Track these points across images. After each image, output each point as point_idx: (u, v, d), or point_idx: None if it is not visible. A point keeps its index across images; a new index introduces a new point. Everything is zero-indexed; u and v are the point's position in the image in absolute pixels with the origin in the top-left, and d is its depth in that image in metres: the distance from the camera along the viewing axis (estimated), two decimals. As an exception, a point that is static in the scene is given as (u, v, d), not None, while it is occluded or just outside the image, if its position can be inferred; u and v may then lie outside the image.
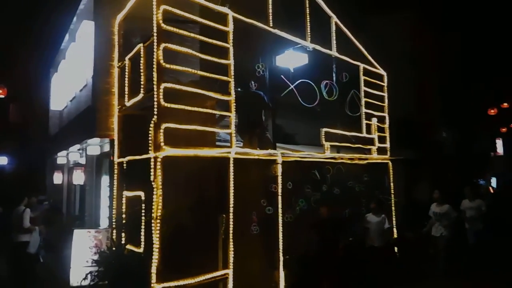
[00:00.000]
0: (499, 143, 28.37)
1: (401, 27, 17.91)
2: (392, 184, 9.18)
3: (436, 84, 20.03)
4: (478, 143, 24.33)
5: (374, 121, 8.90)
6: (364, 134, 8.62)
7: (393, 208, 9.04)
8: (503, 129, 26.83)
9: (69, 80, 10.72)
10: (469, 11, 20.65)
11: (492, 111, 23.92)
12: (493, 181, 22.45)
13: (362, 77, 8.94)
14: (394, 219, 9.02)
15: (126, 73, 6.49)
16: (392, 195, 9.11)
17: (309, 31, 7.95)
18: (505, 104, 23.95)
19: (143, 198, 5.49)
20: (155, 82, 5.17)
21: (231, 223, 5.56)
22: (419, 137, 16.01)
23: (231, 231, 5.54)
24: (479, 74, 22.75)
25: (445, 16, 20.15)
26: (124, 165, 6.31)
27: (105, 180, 8.47)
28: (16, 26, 19.85)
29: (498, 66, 23.11)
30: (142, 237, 5.41)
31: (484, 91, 23.35)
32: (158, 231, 4.82)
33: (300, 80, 7.49)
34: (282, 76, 7.46)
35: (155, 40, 5.28)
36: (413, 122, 16.26)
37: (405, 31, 18.09)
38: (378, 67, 9.60)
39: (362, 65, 9.02)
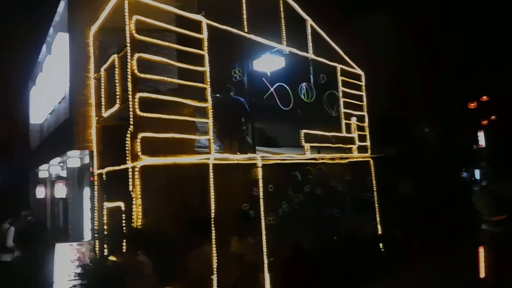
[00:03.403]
0: (481, 136, 28.85)
1: (380, 25, 18.16)
2: (374, 181, 9.28)
3: (416, 81, 20.35)
4: (460, 137, 24.76)
5: (353, 120, 9.00)
6: (344, 134, 8.72)
7: (376, 205, 9.15)
8: (484, 122, 27.30)
9: (47, 93, 10.64)
10: (447, 7, 20.98)
11: (472, 104, 24.34)
12: (477, 173, 22.78)
13: (340, 78, 9.05)
14: (378, 215, 9.13)
15: (102, 84, 6.48)
16: (375, 192, 9.22)
17: (284, 34, 8.03)
18: (485, 97, 24.37)
19: (123, 208, 5.48)
20: (130, 92, 5.19)
21: (212, 228, 5.58)
22: (402, 134, 16.23)
23: (213, 237, 5.56)
24: (459, 68, 23.14)
25: (424, 12, 20.47)
26: (104, 176, 6.29)
27: (86, 192, 8.43)
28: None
29: (477, 59, 23.49)
30: (124, 248, 5.39)
31: (464, 85, 23.76)
32: (138, 241, 4.83)
33: (277, 84, 7.56)
34: (264, 79, 7.53)
35: (129, 51, 5.31)
36: (395, 119, 16.49)
37: (385, 29, 18.35)
38: (356, 67, 9.72)
39: (339, 66, 9.12)
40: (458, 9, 20.93)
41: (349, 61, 9.53)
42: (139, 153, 5.03)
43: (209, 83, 5.98)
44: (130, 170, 5.11)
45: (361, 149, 9.10)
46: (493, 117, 26.86)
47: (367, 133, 9.39)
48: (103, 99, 6.49)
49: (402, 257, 8.59)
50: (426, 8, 20.60)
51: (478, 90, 24.15)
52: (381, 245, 8.96)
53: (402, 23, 19.35)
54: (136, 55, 5.27)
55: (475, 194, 6.31)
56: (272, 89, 7.52)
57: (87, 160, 8.05)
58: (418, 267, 8.00)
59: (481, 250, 6.07)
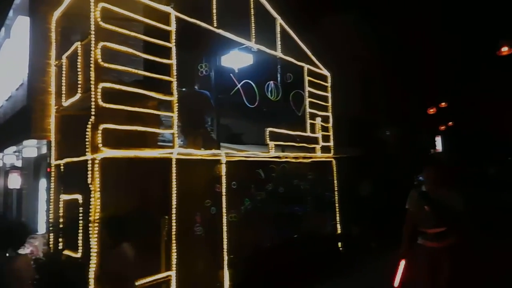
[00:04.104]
0: (438, 140, 29.99)
1: (348, 29, 18.50)
2: (336, 181, 9.45)
3: (380, 85, 20.85)
4: (419, 141, 25.63)
5: (318, 120, 9.13)
6: (309, 133, 8.83)
7: (336, 204, 9.33)
8: (442, 127, 28.41)
9: (4, 78, 10.16)
10: (412, 14, 21.62)
11: (432, 110, 25.24)
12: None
13: (307, 78, 9.15)
14: (338, 214, 9.31)
15: (64, 72, 6.25)
16: (336, 192, 9.39)
17: (253, 31, 8.03)
18: (443, 104, 25.30)
19: (80, 201, 5.32)
20: (92, 82, 5.04)
21: (174, 224, 5.52)
22: (364, 136, 16.61)
23: (174, 233, 5.50)
24: (421, 75, 23.91)
25: (390, 19, 21.01)
26: (62, 167, 6.08)
27: (43, 183, 8.12)
28: None
29: (437, 66, 24.33)
30: (80, 242, 5.24)
31: (425, 91, 24.57)
32: (96, 235, 4.71)
33: (244, 81, 7.55)
34: (231, 75, 7.49)
35: (93, 39, 5.15)
36: (359, 121, 16.87)
37: (353, 33, 18.71)
38: (322, 68, 9.86)
39: (306, 66, 9.22)
40: (423, 17, 21.60)
41: (316, 61, 9.65)
42: (100, 145, 4.90)
43: (175, 76, 5.90)
44: (89, 162, 4.96)
45: (324, 149, 9.24)
46: (450, 123, 27.96)
47: (330, 133, 9.55)
48: (63, 88, 6.26)
49: (359, 256, 8.82)
50: (393, 14, 21.16)
51: (438, 97, 25.04)
52: (340, 244, 9.14)
53: (369, 29, 19.79)
54: (100, 44, 5.13)
55: (411, 199, 5.14)
56: (239, 86, 7.51)
57: (44, 150, 7.76)
58: (374, 266, 8.20)
59: (402, 264, 4.98)
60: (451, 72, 24.43)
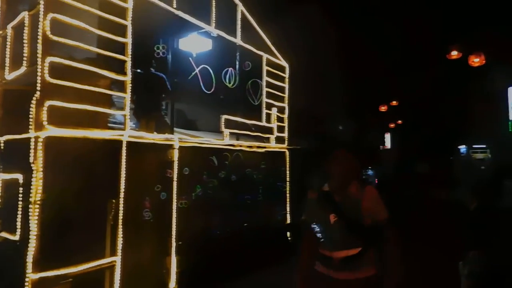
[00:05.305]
0: (387, 137, 31.18)
1: (309, 22, 18.60)
2: (288, 172, 9.56)
3: (335, 81, 21.22)
4: (370, 137, 26.46)
5: (274, 111, 9.16)
6: (264, 123, 8.84)
7: (287, 195, 9.44)
8: (392, 125, 29.47)
9: None
10: (368, 11, 22.07)
11: (383, 108, 26.08)
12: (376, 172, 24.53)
13: (265, 67, 9.14)
14: (288, 205, 9.43)
15: (8, 44, 5.86)
16: (288, 182, 9.50)
17: (214, 16, 7.89)
18: (394, 102, 26.20)
19: (21, 181, 5.03)
20: (39, 55, 4.76)
21: (121, 208, 5.35)
22: (318, 129, 16.93)
23: (120, 217, 5.34)
24: (374, 72, 24.55)
25: (345, 13, 21.34)
26: (2, 145, 5.71)
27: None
28: None
29: (389, 65, 25.08)
30: (19, 224, 4.96)
31: (378, 89, 25.32)
32: (36, 217, 4.47)
33: (202, 66, 7.43)
34: (190, 59, 7.33)
35: (42, 9, 4.85)
36: (314, 114, 17.15)
37: (313, 26, 18.85)
38: (281, 58, 9.87)
39: (265, 56, 9.20)
40: (379, 15, 22.09)
41: (276, 52, 9.66)
42: (45, 123, 4.65)
43: (130, 56, 5.69)
44: (32, 140, 4.69)
45: (279, 140, 9.31)
46: (399, 121, 29.07)
47: (286, 124, 9.62)
48: (7, 60, 5.87)
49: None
50: (351, 11, 21.51)
51: (390, 95, 25.87)
52: (288, 233, 9.29)
53: (327, 23, 20.02)
54: (50, 15, 4.83)
55: (309, 205, 3.55)
56: (197, 70, 7.37)
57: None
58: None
59: None
60: (403, 71, 25.27)
